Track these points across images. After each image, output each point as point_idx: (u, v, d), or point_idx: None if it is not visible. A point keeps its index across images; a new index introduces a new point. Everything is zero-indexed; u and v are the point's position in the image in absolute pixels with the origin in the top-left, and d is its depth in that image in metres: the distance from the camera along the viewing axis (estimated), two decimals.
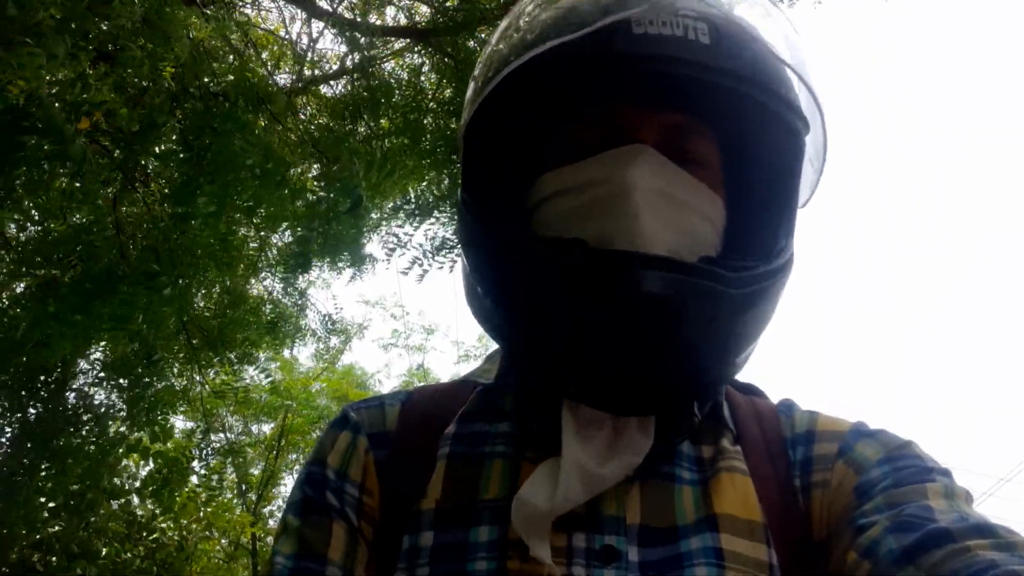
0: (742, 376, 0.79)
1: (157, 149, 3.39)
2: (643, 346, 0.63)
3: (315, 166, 4.43)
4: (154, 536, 5.10)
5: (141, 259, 3.31)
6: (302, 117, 5.76)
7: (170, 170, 3.43)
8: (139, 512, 5.40)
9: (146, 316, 2.94)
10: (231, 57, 4.06)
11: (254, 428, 9.05)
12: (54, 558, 4.29)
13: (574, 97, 0.72)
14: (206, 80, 3.52)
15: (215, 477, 6.33)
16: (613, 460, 0.66)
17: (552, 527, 0.64)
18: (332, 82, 6.15)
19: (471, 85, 0.76)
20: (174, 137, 3.24)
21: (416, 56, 5.88)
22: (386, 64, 5.94)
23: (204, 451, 6.22)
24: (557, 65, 0.67)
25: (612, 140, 0.69)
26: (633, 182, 0.65)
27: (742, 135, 0.74)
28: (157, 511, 5.42)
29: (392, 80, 5.65)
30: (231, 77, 3.84)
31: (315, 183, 4.07)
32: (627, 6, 0.64)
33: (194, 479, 5.82)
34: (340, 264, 5.94)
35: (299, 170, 4.28)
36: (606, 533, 0.64)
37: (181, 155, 3.15)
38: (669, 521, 0.66)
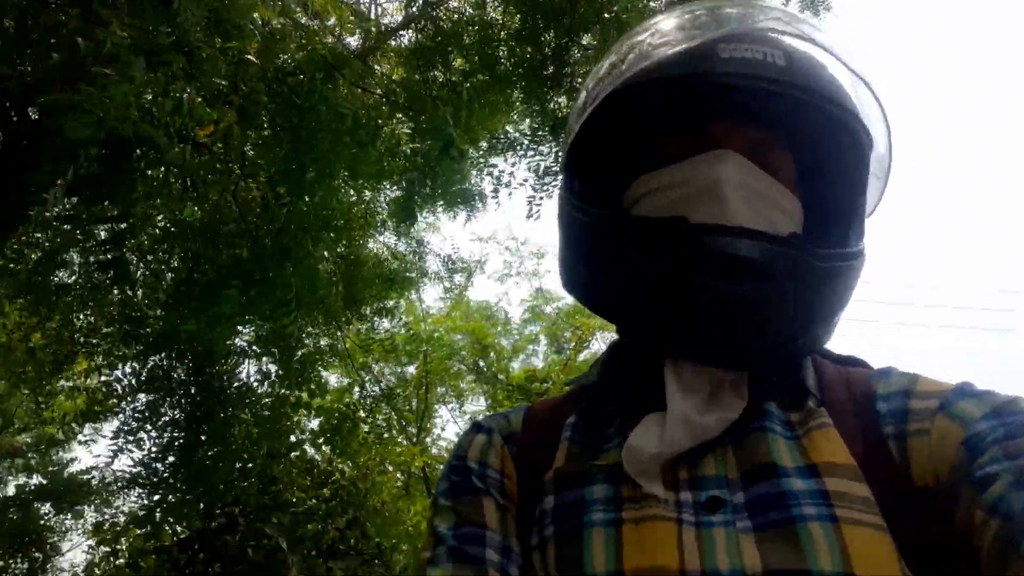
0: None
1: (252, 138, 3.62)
2: (739, 303, 0.70)
3: (404, 121, 4.59)
4: (334, 478, 5.73)
5: (275, 242, 3.62)
6: (379, 73, 5.91)
7: (269, 156, 3.68)
8: (318, 458, 6.03)
9: (293, 289, 3.23)
10: (298, 33, 4.23)
11: (400, 371, 9.71)
12: (251, 512, 4.93)
13: (668, 114, 0.81)
14: (279, 61, 3.70)
15: (379, 419, 6.97)
16: (712, 414, 0.72)
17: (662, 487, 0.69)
18: (401, 32, 6.24)
19: (577, 100, 0.86)
20: (265, 125, 3.48)
21: None
22: (450, 1, 5.94)
23: (365, 400, 6.83)
24: (654, 87, 0.77)
25: (703, 148, 0.77)
26: (721, 176, 0.73)
27: (814, 149, 0.82)
28: (333, 457, 6.04)
29: (458, 17, 5.65)
30: (300, 54, 3.99)
31: (407, 136, 4.22)
32: (717, 29, 0.75)
33: (364, 427, 6.44)
34: (452, 207, 6.19)
35: (390, 127, 4.45)
36: (710, 488, 0.69)
37: (275, 141, 3.37)
38: (768, 459, 0.69)
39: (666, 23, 0.80)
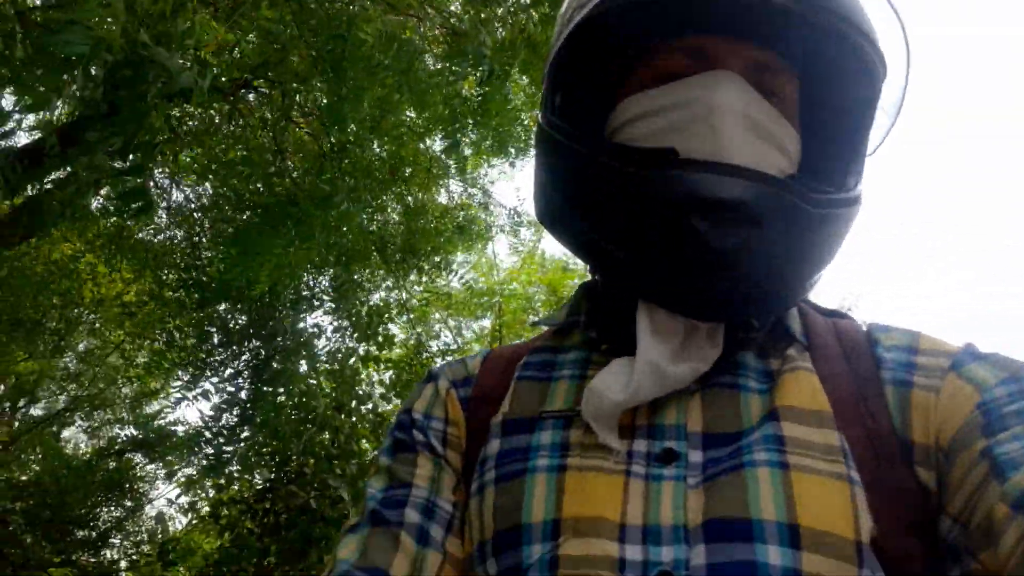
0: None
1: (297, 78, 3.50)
2: (725, 249, 0.63)
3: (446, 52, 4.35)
4: None
5: (313, 184, 3.51)
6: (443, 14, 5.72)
7: (315, 95, 3.56)
8: (384, 411, 6.05)
9: (325, 234, 3.15)
10: None
11: (474, 325, 9.70)
12: (319, 462, 4.98)
13: (662, 27, 0.72)
14: None
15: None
16: (683, 363, 0.67)
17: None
18: None
19: (559, 16, 0.79)
20: (310, 57, 3.32)
21: None
22: None
23: (433, 354, 6.79)
24: (646, 3, 0.69)
25: (698, 68, 0.70)
26: (718, 102, 0.66)
27: (820, 73, 0.74)
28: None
29: None
30: None
31: (447, 64, 3.98)
32: None
33: None
34: (504, 147, 5.95)
35: (435, 55, 4.22)
36: (667, 439, 0.66)
37: (318, 79, 3.24)
38: (735, 427, 0.66)
39: None
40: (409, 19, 4.41)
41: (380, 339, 5.50)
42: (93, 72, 1.80)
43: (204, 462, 5.44)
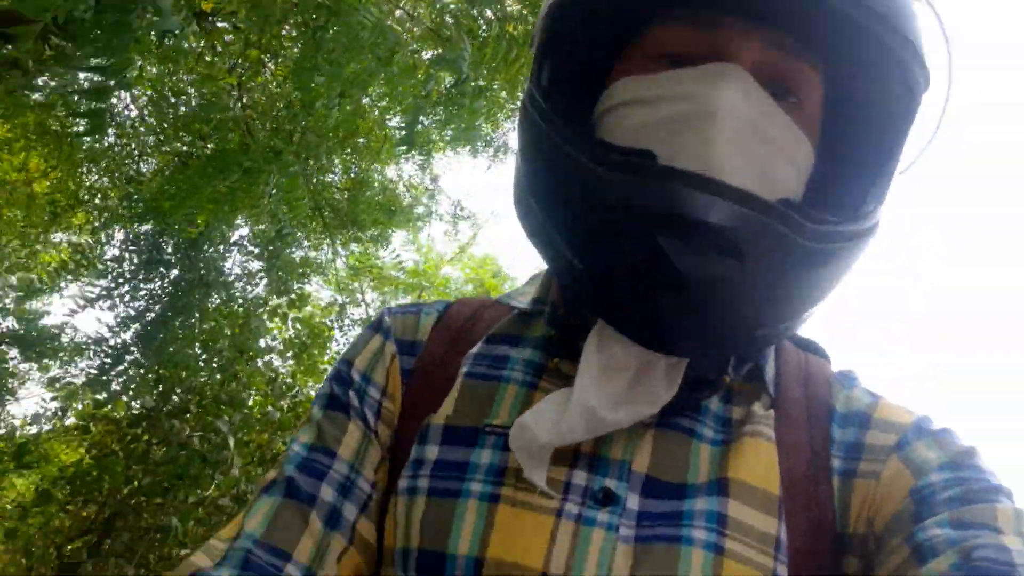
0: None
1: (275, 31, 3.52)
2: (695, 280, 0.56)
3: (429, 46, 4.43)
4: (293, 391, 5.71)
5: (268, 137, 3.52)
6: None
7: (290, 51, 3.56)
8: (284, 371, 6.01)
9: (273, 190, 3.17)
10: None
11: (393, 303, 9.62)
12: (205, 403, 4.93)
13: None
14: None
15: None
16: (626, 406, 0.62)
17: (554, 460, 0.62)
18: None
19: None
20: (293, 21, 3.35)
21: None
22: None
23: (343, 322, 6.78)
24: None
25: (704, 52, 0.62)
26: (718, 104, 0.58)
27: (852, 77, 0.66)
28: (298, 372, 6.02)
29: None
30: None
31: (427, 64, 4.08)
32: None
33: (334, 346, 6.40)
34: (457, 144, 6.03)
35: (415, 50, 4.28)
36: (608, 476, 0.62)
37: (297, 35, 3.25)
38: (679, 477, 0.62)
39: None
40: (400, 12, 4.45)
41: (293, 296, 5.49)
42: None
43: (87, 374, 5.31)
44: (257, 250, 4.91)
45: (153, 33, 2.12)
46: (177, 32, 2.05)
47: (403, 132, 5.01)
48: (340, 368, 0.77)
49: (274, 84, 3.90)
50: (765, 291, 0.60)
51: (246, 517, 0.67)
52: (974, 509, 0.56)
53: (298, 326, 5.81)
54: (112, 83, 2.13)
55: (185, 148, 3.83)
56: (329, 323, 6.61)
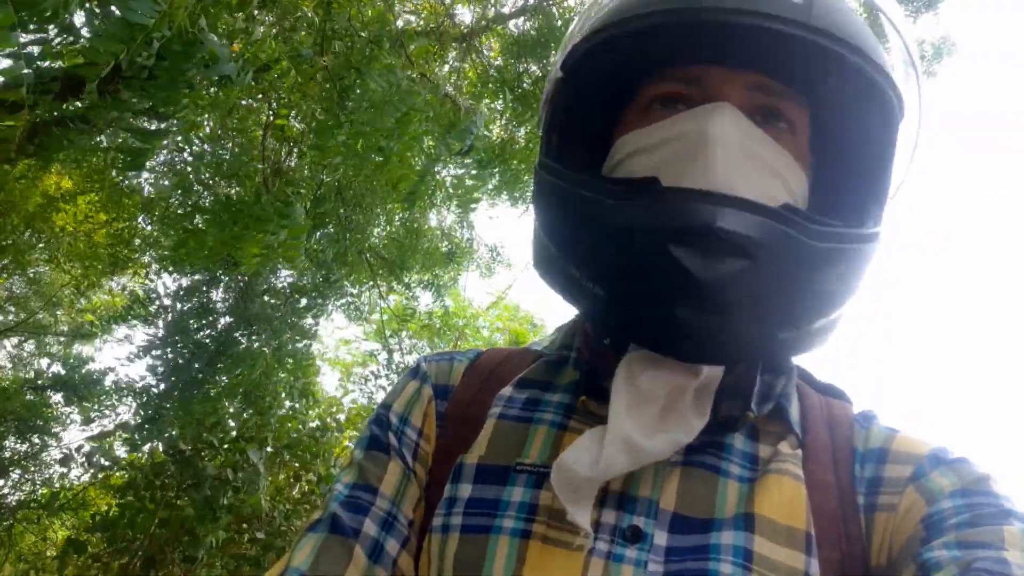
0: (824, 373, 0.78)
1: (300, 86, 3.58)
2: (711, 282, 0.59)
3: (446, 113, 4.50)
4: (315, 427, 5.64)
5: (279, 190, 3.59)
6: (486, 54, 5.85)
7: (312, 107, 3.64)
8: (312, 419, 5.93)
9: (285, 240, 3.21)
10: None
11: (431, 349, 9.67)
12: (232, 438, 4.91)
13: (656, 59, 0.70)
14: (353, 22, 3.63)
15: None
16: (661, 435, 0.64)
17: None
18: (512, 20, 6.17)
19: (557, 57, 0.77)
20: (319, 77, 3.43)
21: None
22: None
23: (386, 368, 6.78)
24: (641, 32, 0.67)
25: (694, 100, 0.68)
26: (711, 134, 0.63)
27: (833, 106, 0.70)
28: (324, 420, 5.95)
29: (569, 18, 5.57)
30: (362, 16, 3.91)
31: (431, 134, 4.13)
32: None
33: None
34: (514, 200, 6.08)
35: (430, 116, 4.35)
36: (636, 514, 0.64)
37: (324, 93, 3.33)
38: (706, 513, 0.64)
39: None
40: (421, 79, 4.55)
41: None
42: (151, 43, 1.88)
43: (125, 422, 5.32)
44: (304, 300, 4.92)
45: (206, 80, 2.16)
46: (233, 78, 2.09)
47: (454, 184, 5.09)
48: (380, 412, 0.80)
49: (293, 136, 3.98)
50: (778, 290, 0.62)
51: (292, 553, 0.69)
52: (982, 531, 0.57)
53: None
54: (162, 126, 2.17)
55: (226, 197, 3.91)
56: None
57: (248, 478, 4.58)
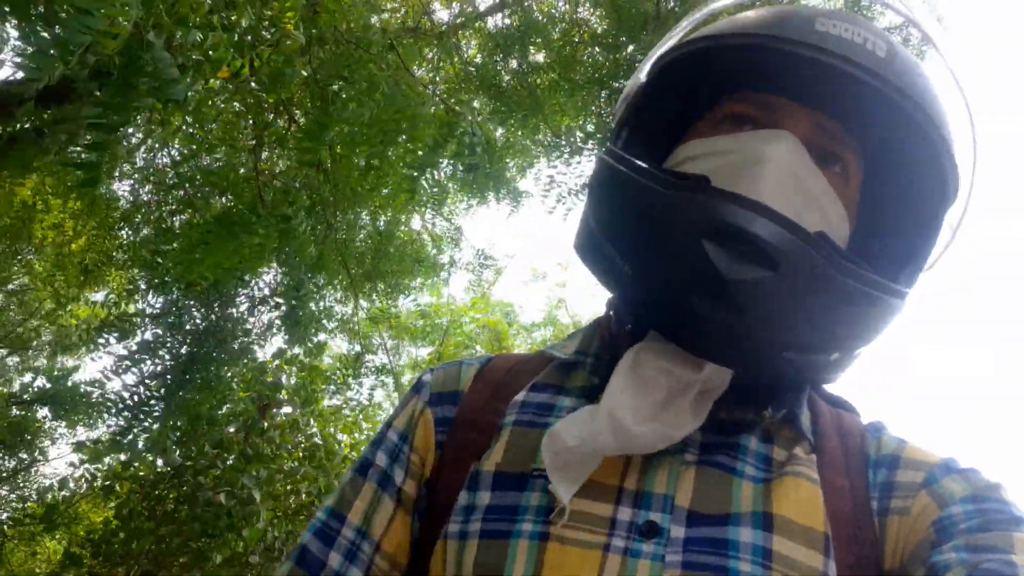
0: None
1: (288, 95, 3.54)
2: (732, 282, 0.61)
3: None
4: (310, 437, 5.61)
5: (276, 202, 3.55)
6: (465, 52, 5.78)
7: (300, 113, 3.60)
8: (299, 419, 5.91)
9: (282, 252, 3.19)
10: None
11: (412, 351, 9.64)
12: (230, 458, 4.88)
13: (736, 79, 0.74)
14: (342, 26, 3.59)
15: (367, 392, 7.03)
16: (651, 423, 0.65)
17: (599, 496, 0.66)
18: (490, 16, 6.10)
19: (648, 56, 0.81)
20: (306, 84, 3.39)
21: None
22: None
23: (359, 369, 6.77)
24: (729, 51, 0.70)
25: (762, 124, 0.71)
26: (767, 154, 0.66)
27: (889, 164, 0.73)
28: (310, 418, 5.92)
29: (551, 13, 5.50)
30: (347, 21, 3.86)
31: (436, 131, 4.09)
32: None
33: (349, 394, 6.39)
34: (497, 198, 6.03)
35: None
36: (652, 509, 0.65)
37: (310, 102, 3.29)
38: (721, 510, 0.65)
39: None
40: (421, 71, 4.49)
41: (310, 345, 5.46)
42: (89, 59, 1.85)
43: (110, 434, 5.28)
44: (283, 305, 4.89)
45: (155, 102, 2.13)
46: (180, 102, 2.06)
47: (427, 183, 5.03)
48: (380, 430, 0.82)
49: (285, 148, 3.94)
50: (793, 308, 0.63)
51: None
52: (992, 536, 0.58)
53: (305, 373, 5.78)
54: (110, 137, 2.14)
55: (204, 204, 3.87)
56: (344, 371, 6.61)
57: (243, 503, 4.55)
